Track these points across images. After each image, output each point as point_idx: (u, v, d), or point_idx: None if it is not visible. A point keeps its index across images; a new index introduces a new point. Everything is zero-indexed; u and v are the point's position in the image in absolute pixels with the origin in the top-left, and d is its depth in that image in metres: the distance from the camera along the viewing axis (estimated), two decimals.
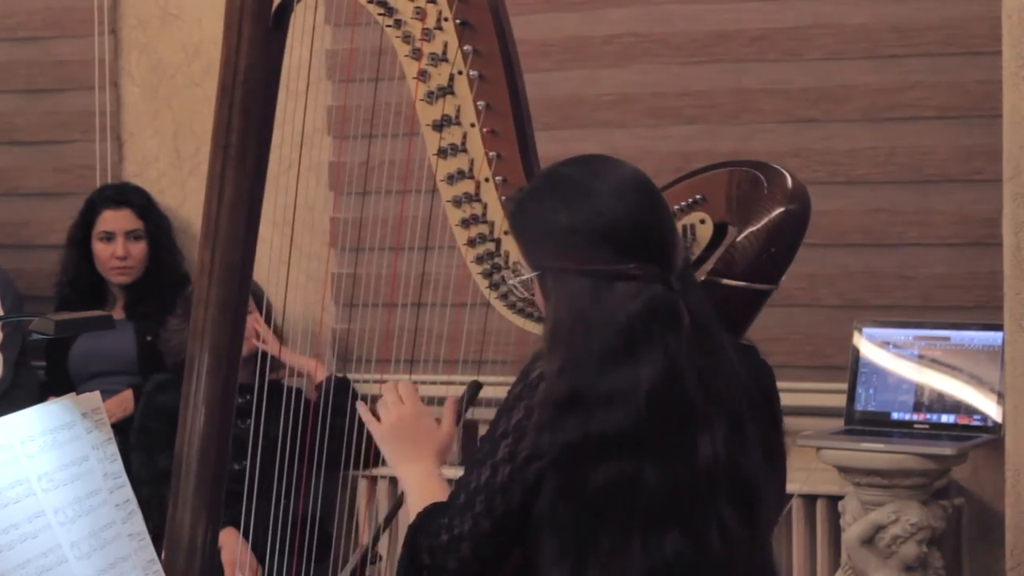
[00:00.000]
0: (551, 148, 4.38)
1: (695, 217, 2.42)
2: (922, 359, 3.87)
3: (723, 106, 4.22)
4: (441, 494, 2.21)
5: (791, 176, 2.39)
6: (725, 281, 2.32)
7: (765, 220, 2.33)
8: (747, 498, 2.12)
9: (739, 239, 2.33)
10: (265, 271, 3.67)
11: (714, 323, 2.15)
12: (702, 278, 2.35)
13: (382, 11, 2.54)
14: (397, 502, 2.70)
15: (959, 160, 4.05)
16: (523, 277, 2.26)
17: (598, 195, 2.13)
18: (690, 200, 2.42)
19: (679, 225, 2.42)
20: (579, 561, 2.06)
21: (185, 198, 4.74)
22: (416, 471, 2.29)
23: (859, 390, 3.89)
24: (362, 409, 2.43)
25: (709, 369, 2.11)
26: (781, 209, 2.33)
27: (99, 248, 4.59)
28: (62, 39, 4.87)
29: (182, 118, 4.76)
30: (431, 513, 2.17)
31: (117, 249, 4.57)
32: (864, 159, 4.13)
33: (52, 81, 4.90)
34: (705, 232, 2.42)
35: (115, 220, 4.59)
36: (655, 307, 2.09)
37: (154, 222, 4.64)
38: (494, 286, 2.53)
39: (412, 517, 2.21)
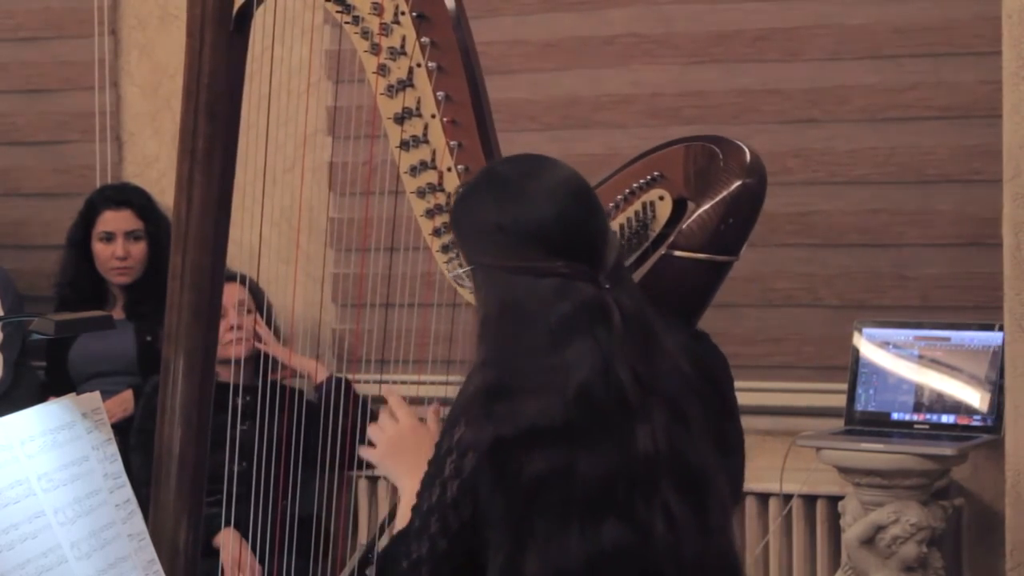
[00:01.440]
0: (552, 148, 4.36)
1: (654, 194, 2.44)
2: (922, 359, 3.87)
3: (723, 106, 4.23)
4: None
5: (748, 149, 2.40)
6: (686, 254, 2.34)
7: (723, 193, 2.35)
8: (695, 486, 2.13)
9: (697, 213, 2.35)
10: (266, 271, 3.68)
11: (651, 318, 2.17)
12: (662, 251, 2.36)
13: (340, 8, 2.56)
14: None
15: (959, 160, 4.05)
16: (459, 271, 2.28)
17: (529, 195, 2.16)
18: (648, 178, 2.43)
19: (638, 203, 2.43)
20: (516, 551, 2.07)
21: None
22: (415, 483, 2.30)
23: (859, 390, 3.89)
24: (362, 452, 2.42)
25: (645, 363, 2.12)
26: (738, 182, 2.35)
27: (99, 248, 4.59)
28: (62, 39, 4.87)
29: None
30: (396, 542, 2.19)
31: (117, 249, 4.57)
32: (864, 159, 4.13)
33: (52, 81, 4.90)
34: (664, 209, 2.43)
35: (115, 220, 4.59)
36: (583, 304, 2.12)
37: (154, 222, 4.63)
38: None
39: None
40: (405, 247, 3.50)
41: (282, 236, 4.16)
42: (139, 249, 4.60)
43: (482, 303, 2.18)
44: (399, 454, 2.35)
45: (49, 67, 4.90)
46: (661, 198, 2.43)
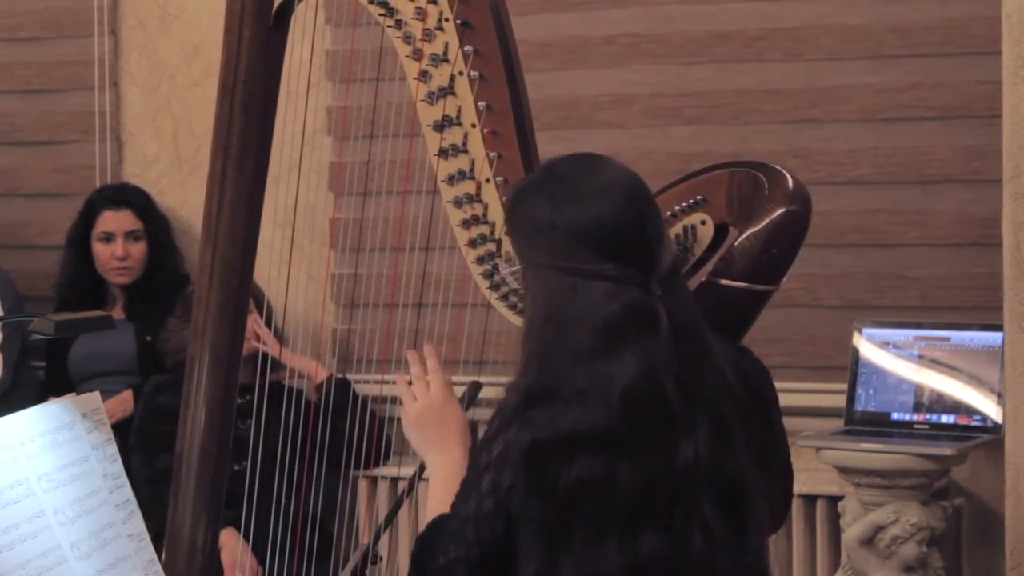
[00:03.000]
0: (551, 148, 4.34)
1: (696, 218, 2.42)
2: (922, 359, 3.87)
3: (723, 106, 4.22)
4: None
5: (792, 177, 2.39)
6: (725, 282, 2.32)
7: (766, 221, 2.33)
8: (734, 501, 2.12)
9: (740, 240, 2.33)
10: (266, 272, 3.67)
11: (701, 328, 2.15)
12: (702, 279, 2.35)
13: (383, 11, 2.54)
14: (397, 502, 2.70)
15: (959, 160, 4.05)
16: (513, 269, 2.26)
17: (584, 194, 2.13)
18: (691, 201, 2.42)
19: (680, 225, 2.42)
20: (550, 556, 2.06)
21: (185, 198, 4.74)
22: (442, 464, 2.29)
23: (859, 390, 3.89)
24: (402, 387, 2.39)
25: (692, 373, 2.10)
26: (782, 210, 2.34)
27: (99, 249, 4.59)
28: (62, 39, 4.87)
29: (182, 118, 4.76)
30: (433, 532, 2.18)
31: (117, 250, 4.57)
32: (864, 159, 4.13)
33: (52, 81, 4.90)
34: (706, 233, 2.42)
35: (115, 221, 4.59)
36: (632, 310, 2.09)
37: (154, 223, 4.64)
38: (495, 287, 2.52)
39: (429, 516, 2.22)
40: (409, 247, 3.50)
41: (283, 236, 4.14)
42: (139, 249, 4.60)
43: (530, 304, 2.16)
44: (424, 428, 2.33)
45: (49, 67, 4.90)
46: (703, 222, 2.42)
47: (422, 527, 2.22)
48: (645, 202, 2.16)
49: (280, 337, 4.39)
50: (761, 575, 2.19)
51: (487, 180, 2.50)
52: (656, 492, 2.06)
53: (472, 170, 2.51)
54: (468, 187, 2.53)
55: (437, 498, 2.25)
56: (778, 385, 4.21)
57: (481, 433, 2.24)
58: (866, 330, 3.92)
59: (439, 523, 2.18)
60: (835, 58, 4.14)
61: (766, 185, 2.36)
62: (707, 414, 2.10)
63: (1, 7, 4.94)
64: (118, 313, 4.57)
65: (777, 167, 2.41)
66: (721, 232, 2.43)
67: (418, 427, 2.34)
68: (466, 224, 2.53)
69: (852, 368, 3.91)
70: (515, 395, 2.11)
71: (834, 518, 3.94)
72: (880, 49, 4.10)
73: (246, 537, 3.99)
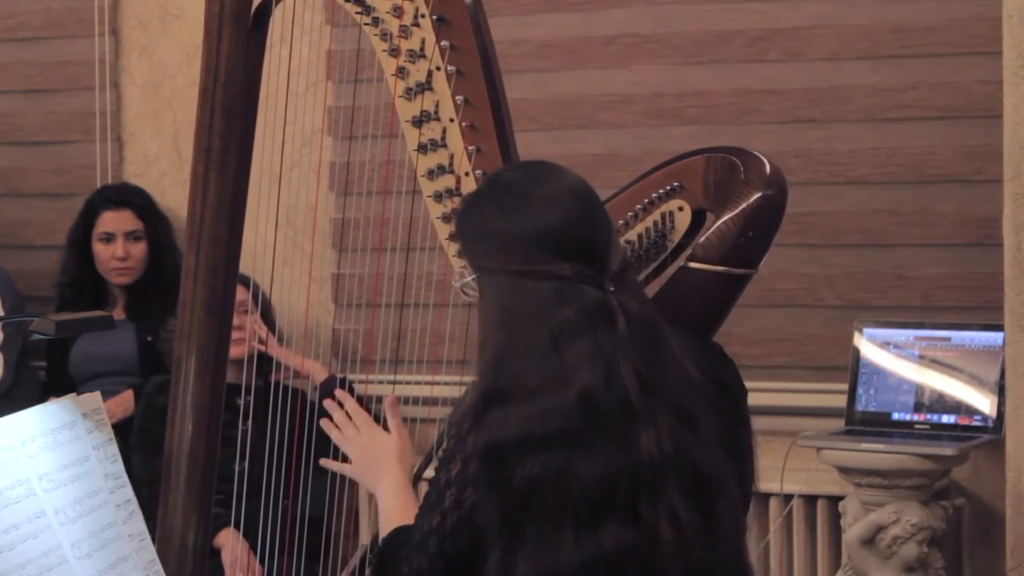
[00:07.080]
0: (552, 148, 4.36)
1: (673, 205, 2.43)
2: (923, 359, 3.87)
3: (723, 107, 4.23)
4: (409, 511, 2.27)
5: (768, 161, 2.39)
6: (704, 266, 2.33)
7: (743, 205, 2.34)
8: (703, 489, 2.12)
9: (717, 224, 2.34)
10: (265, 271, 3.68)
11: (657, 322, 2.16)
12: (681, 263, 2.36)
13: (359, 9, 2.56)
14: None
15: (959, 160, 4.05)
16: (465, 280, 2.28)
17: (533, 201, 2.15)
18: (667, 188, 2.43)
19: (657, 213, 2.43)
20: (507, 553, 2.07)
21: (186, 199, 4.73)
22: (386, 489, 2.37)
23: (859, 390, 3.89)
24: (329, 464, 2.55)
25: (651, 367, 2.11)
26: (758, 194, 2.35)
27: (99, 249, 4.60)
28: (63, 39, 4.87)
29: (183, 118, 4.76)
30: (395, 542, 2.22)
31: (117, 250, 4.57)
32: (864, 159, 4.13)
33: (53, 81, 4.90)
34: (683, 219, 2.43)
35: (115, 221, 4.59)
36: (587, 307, 2.11)
37: (154, 223, 4.64)
38: None
39: (384, 532, 2.28)
40: (411, 247, 3.50)
41: (282, 236, 4.16)
42: (139, 249, 4.60)
43: (484, 310, 2.17)
44: (370, 467, 2.43)
45: (49, 67, 4.90)
46: (680, 208, 2.43)
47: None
48: (593, 205, 2.19)
49: (280, 337, 4.39)
50: (736, 563, 2.19)
51: (467, 174, 2.52)
52: (616, 484, 2.07)
53: (452, 164, 2.53)
54: (448, 181, 2.54)
55: (388, 517, 2.32)
56: (779, 385, 4.25)
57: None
58: (867, 330, 3.92)
59: (399, 535, 2.22)
60: (835, 58, 4.14)
61: (742, 169, 2.37)
62: (668, 404, 2.11)
63: (1, 7, 4.94)
64: (119, 313, 4.57)
65: (753, 152, 2.42)
66: (699, 218, 2.43)
67: (367, 469, 2.44)
68: (446, 218, 2.55)
69: (853, 368, 3.91)
70: (470, 409, 2.12)
71: (835, 518, 3.95)
72: (880, 49, 4.10)
73: (246, 537, 3.99)
